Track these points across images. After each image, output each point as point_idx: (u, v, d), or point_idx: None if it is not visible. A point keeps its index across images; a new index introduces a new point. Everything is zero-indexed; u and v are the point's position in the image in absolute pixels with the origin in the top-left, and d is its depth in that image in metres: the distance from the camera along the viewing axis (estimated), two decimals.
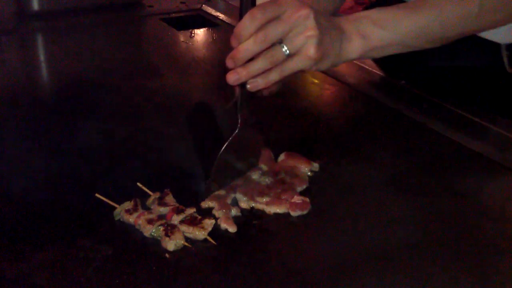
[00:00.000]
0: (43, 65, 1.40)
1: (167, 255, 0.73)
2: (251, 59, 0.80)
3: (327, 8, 1.14)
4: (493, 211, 0.86)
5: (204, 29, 1.59)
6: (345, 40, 0.86)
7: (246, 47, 0.78)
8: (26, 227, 0.77)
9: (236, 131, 0.84)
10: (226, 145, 0.83)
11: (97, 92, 1.18)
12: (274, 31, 0.78)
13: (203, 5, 1.70)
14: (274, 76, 0.81)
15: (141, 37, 1.61)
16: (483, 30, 1.01)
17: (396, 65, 1.18)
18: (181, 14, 1.66)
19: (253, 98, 0.86)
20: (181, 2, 1.72)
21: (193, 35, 1.53)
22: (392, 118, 1.11)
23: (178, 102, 1.16)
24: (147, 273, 0.70)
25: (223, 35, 1.56)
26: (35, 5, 1.55)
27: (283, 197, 0.83)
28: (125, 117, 1.08)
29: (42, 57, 1.45)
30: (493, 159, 0.96)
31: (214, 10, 1.67)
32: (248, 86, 0.81)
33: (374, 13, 0.89)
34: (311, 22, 0.78)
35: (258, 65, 0.80)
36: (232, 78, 0.80)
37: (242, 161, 0.89)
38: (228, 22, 1.61)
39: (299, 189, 0.86)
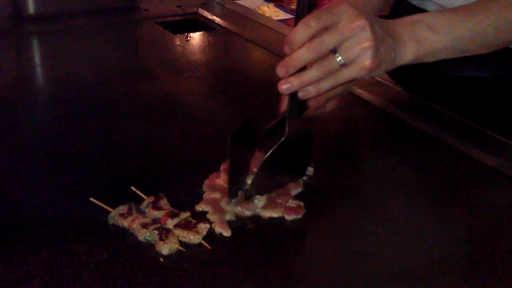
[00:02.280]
0: (39, 69, 1.39)
1: (161, 259, 0.73)
2: (303, 68, 0.78)
3: (375, 6, 1.12)
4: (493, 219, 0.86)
5: (200, 32, 1.59)
6: (400, 45, 0.84)
7: (299, 55, 0.76)
8: (20, 231, 0.77)
9: (283, 138, 0.81)
10: (271, 152, 0.80)
11: (92, 95, 1.18)
12: (329, 40, 0.76)
13: (199, 9, 1.70)
14: (326, 85, 0.79)
15: (137, 41, 1.61)
16: None
17: (409, 75, 1.18)
18: (177, 18, 1.67)
19: (303, 108, 0.85)
20: (177, 6, 1.72)
21: (189, 38, 1.53)
22: (388, 122, 1.11)
23: (173, 105, 1.16)
24: (142, 278, 0.70)
25: (219, 39, 1.57)
26: (31, 9, 1.55)
27: (278, 201, 0.83)
28: (120, 120, 1.08)
29: (38, 61, 1.45)
30: (488, 164, 0.97)
31: (210, 14, 1.67)
32: (299, 94, 0.79)
33: (429, 17, 0.87)
34: (367, 34, 0.76)
35: (311, 74, 0.78)
36: (283, 86, 0.78)
37: (286, 171, 0.86)
38: (224, 26, 1.61)
39: (294, 193, 0.86)
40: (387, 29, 0.83)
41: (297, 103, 0.81)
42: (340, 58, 0.77)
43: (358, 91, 1.18)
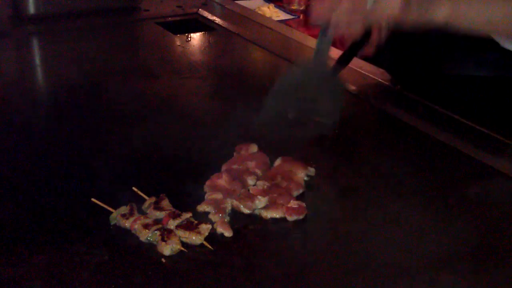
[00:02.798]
0: (39, 69, 1.39)
1: (163, 260, 0.73)
2: None
3: None
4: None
5: (200, 33, 1.59)
6: (434, 3, 0.87)
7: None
8: (21, 232, 0.77)
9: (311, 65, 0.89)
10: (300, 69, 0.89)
11: (93, 95, 1.18)
12: None
13: (199, 9, 1.70)
14: (357, 24, 0.83)
15: (137, 41, 1.61)
16: None
17: (409, 74, 1.18)
18: (177, 18, 1.66)
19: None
20: (178, 6, 1.72)
21: (189, 39, 1.53)
22: (389, 123, 1.11)
23: (174, 106, 1.16)
24: (143, 278, 0.69)
25: (219, 39, 1.57)
26: (31, 9, 1.55)
27: (280, 202, 0.83)
28: (121, 121, 1.08)
29: (38, 61, 1.45)
30: (488, 164, 0.97)
31: (210, 14, 1.67)
32: (331, 30, 0.83)
33: None
34: None
35: (343, 6, 0.81)
36: (315, 16, 0.83)
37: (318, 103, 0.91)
38: (224, 26, 1.61)
39: (295, 193, 0.86)
40: None
41: (328, 42, 0.86)
42: None
43: (354, 89, 1.18)
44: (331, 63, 0.93)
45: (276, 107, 0.90)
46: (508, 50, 1.05)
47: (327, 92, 0.92)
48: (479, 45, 0.97)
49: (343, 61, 0.92)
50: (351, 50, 0.95)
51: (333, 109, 0.93)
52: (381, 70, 1.27)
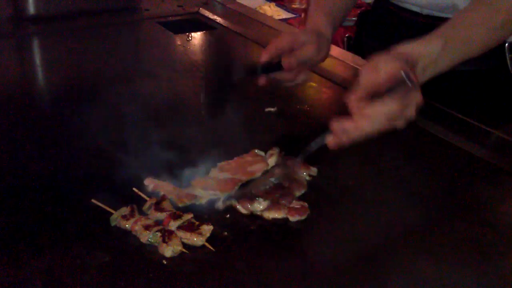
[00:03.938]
0: (40, 69, 1.39)
1: (164, 261, 0.72)
2: None
3: (342, 7, 1.14)
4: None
5: (201, 32, 1.58)
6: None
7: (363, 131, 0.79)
8: (22, 234, 0.76)
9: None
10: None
11: (93, 95, 1.17)
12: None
13: (200, 9, 1.70)
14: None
15: (138, 41, 1.61)
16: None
17: None
18: (178, 18, 1.66)
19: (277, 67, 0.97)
20: (178, 6, 1.72)
21: (190, 38, 1.53)
22: None
23: (174, 105, 1.15)
24: (144, 280, 0.69)
25: (220, 39, 1.56)
26: (32, 9, 1.55)
27: (282, 202, 0.83)
28: (121, 120, 1.07)
29: (38, 61, 1.45)
30: (491, 162, 0.96)
31: (211, 14, 1.67)
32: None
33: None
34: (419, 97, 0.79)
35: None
36: (334, 144, 0.81)
37: None
38: (225, 25, 1.60)
39: (297, 194, 0.86)
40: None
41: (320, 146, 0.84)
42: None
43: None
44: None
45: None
46: None
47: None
48: None
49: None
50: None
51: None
52: None
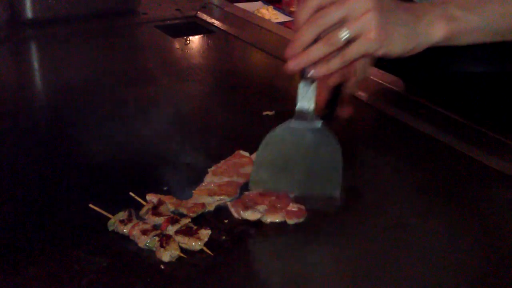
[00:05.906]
0: (37, 73, 1.39)
1: (162, 266, 0.72)
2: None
3: None
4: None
5: (199, 36, 1.58)
6: (423, 23, 0.81)
7: (303, 32, 0.75)
8: (19, 239, 0.76)
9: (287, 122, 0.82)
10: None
11: (91, 100, 1.17)
12: (331, 13, 0.75)
13: (198, 12, 1.70)
14: (336, 62, 0.77)
15: (135, 45, 1.60)
16: None
17: (408, 68, 1.16)
18: (176, 21, 1.66)
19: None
20: (176, 9, 1.72)
21: (188, 42, 1.53)
22: (389, 124, 1.10)
23: (173, 109, 1.15)
24: (142, 285, 0.68)
25: (219, 42, 1.56)
26: (29, 13, 1.54)
27: (278, 205, 0.82)
28: (119, 125, 1.07)
29: (35, 65, 1.45)
30: (490, 166, 0.96)
31: (209, 17, 1.67)
32: (311, 72, 0.78)
33: None
34: (371, 3, 0.75)
35: (317, 49, 0.76)
36: (291, 64, 0.77)
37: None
38: (224, 29, 1.60)
39: (293, 196, 0.85)
40: (402, 5, 0.81)
41: (309, 87, 0.80)
42: (345, 32, 0.75)
43: (359, 93, 1.17)
44: (317, 115, 0.85)
45: (266, 181, 0.85)
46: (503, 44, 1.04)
47: (322, 157, 0.85)
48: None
49: (330, 109, 0.85)
50: (335, 94, 0.90)
51: (335, 175, 0.85)
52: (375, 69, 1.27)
